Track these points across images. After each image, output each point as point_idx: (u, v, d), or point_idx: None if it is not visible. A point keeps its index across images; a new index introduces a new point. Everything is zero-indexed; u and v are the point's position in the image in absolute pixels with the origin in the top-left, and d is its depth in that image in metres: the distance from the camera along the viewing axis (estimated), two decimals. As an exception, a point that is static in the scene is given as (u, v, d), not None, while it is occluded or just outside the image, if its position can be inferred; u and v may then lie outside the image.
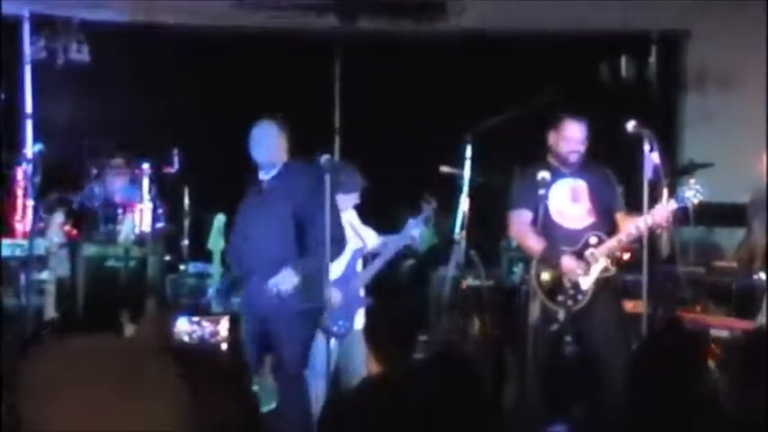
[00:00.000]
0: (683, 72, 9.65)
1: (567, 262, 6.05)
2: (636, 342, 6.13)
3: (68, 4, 8.92)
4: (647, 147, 5.93)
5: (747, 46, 8.95)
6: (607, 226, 6.15)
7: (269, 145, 6.09)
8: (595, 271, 6.07)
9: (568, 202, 6.20)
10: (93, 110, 9.12)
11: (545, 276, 6.10)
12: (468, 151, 7.36)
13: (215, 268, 6.97)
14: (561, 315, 6.03)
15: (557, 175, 6.16)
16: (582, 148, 6.20)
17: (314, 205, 5.85)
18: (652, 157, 5.93)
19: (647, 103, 8.77)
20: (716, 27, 9.12)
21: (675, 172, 7.65)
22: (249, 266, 6.07)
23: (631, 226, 6.04)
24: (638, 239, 6.09)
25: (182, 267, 8.29)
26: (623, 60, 8.98)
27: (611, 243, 6.08)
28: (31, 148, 8.14)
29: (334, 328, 6.51)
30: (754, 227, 6.77)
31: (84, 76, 9.02)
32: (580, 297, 6.06)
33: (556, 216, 6.16)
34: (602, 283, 6.09)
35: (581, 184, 6.22)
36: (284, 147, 6.11)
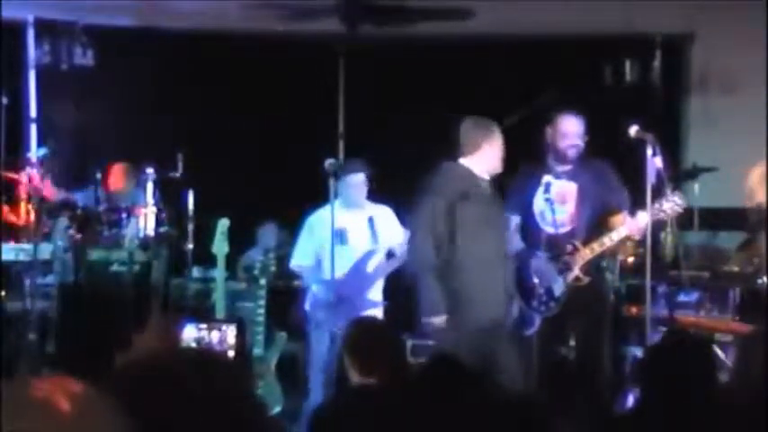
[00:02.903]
0: (687, 76, 9.64)
1: (535, 264, 6.08)
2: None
3: (73, 9, 8.92)
4: (649, 151, 5.92)
5: (752, 49, 8.93)
6: (595, 230, 6.15)
7: None
8: (568, 279, 6.07)
9: (553, 204, 6.21)
10: (97, 114, 9.13)
11: (522, 280, 6.13)
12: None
13: (219, 273, 6.97)
14: (536, 320, 6.03)
15: (545, 176, 6.21)
16: (580, 142, 6.20)
17: None
18: (655, 162, 5.92)
19: (651, 107, 8.76)
20: (720, 30, 9.11)
21: (679, 176, 7.64)
22: None
23: (605, 237, 6.06)
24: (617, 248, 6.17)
25: (186, 272, 8.29)
26: (627, 64, 8.97)
27: (585, 252, 6.09)
28: (35, 152, 8.15)
29: (334, 329, 6.55)
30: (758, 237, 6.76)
31: (88, 80, 9.03)
32: (552, 304, 6.06)
33: (538, 218, 6.20)
34: (576, 291, 6.10)
35: (570, 187, 6.25)
36: None
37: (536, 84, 8.48)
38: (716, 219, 7.80)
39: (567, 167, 6.26)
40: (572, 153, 6.20)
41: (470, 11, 9.07)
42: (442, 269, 5.65)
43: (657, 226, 6.18)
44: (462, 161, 5.91)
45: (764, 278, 6.72)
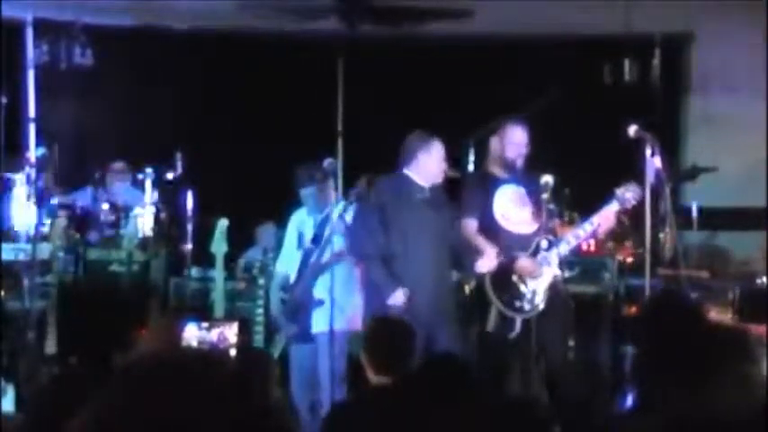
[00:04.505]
0: (686, 75, 9.64)
1: (524, 263, 6.05)
2: None
3: (72, 9, 8.92)
4: (648, 151, 5.92)
5: (752, 49, 8.94)
6: (548, 231, 6.20)
7: None
8: (549, 274, 6.07)
9: (514, 206, 6.24)
10: (96, 114, 9.13)
11: (500, 282, 6.08)
12: (471, 154, 7.36)
13: (218, 272, 6.96)
14: (518, 322, 6.00)
15: (499, 181, 6.24)
16: (526, 151, 6.23)
17: None
18: (654, 161, 5.92)
19: (651, 106, 8.75)
20: (719, 30, 9.11)
21: (678, 176, 7.64)
22: None
23: (578, 228, 6.09)
24: (587, 240, 6.23)
25: (185, 271, 8.28)
26: (626, 63, 8.96)
27: (562, 246, 6.11)
28: (34, 152, 8.14)
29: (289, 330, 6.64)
30: None
31: (87, 80, 9.02)
32: (537, 301, 6.04)
33: (501, 221, 6.18)
34: (555, 287, 6.11)
35: (522, 190, 6.28)
36: None
37: (536, 83, 8.46)
38: (715, 219, 7.80)
39: (513, 175, 6.30)
40: (519, 162, 6.24)
41: (470, 11, 9.07)
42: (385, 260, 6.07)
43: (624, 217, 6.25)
44: (405, 171, 6.26)
45: (764, 278, 6.72)
